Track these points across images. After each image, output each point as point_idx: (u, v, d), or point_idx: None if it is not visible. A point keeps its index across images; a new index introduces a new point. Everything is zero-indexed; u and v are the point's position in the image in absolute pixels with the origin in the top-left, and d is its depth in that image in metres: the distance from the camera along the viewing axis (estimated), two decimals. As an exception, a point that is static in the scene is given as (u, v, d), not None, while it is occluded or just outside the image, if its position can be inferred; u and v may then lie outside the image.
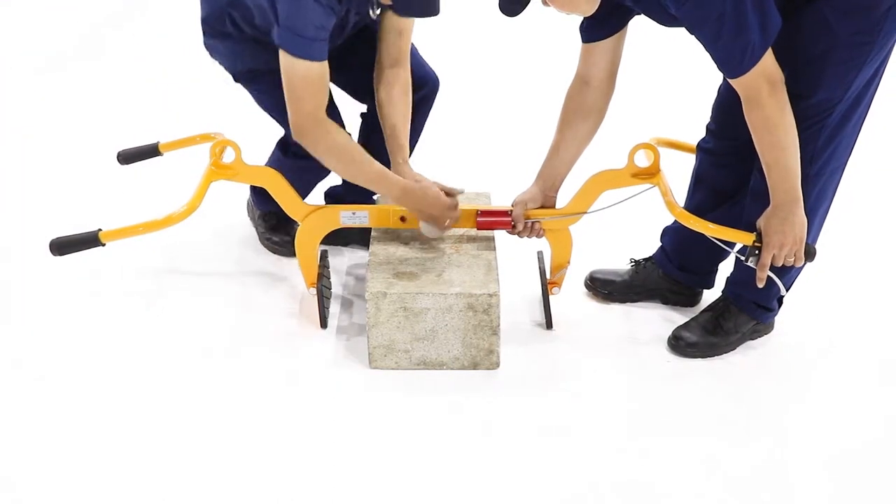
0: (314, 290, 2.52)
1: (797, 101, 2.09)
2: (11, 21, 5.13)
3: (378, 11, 2.44)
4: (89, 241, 2.49)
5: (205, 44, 2.64)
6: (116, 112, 3.94)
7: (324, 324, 2.54)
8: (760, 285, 2.24)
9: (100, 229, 2.49)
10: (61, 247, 2.49)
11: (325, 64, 2.31)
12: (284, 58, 2.28)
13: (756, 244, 2.21)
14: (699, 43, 2.03)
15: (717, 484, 2.04)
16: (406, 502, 2.00)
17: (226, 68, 2.66)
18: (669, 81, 3.92)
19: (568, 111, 2.38)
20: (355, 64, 2.60)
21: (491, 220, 2.46)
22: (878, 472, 2.07)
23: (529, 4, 2.05)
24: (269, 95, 2.55)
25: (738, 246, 2.35)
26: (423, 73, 2.68)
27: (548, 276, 2.54)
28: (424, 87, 2.68)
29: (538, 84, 3.98)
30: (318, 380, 2.36)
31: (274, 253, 2.91)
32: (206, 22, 2.58)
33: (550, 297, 2.52)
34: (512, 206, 2.46)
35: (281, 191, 2.52)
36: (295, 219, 2.55)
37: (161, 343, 2.50)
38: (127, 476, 2.06)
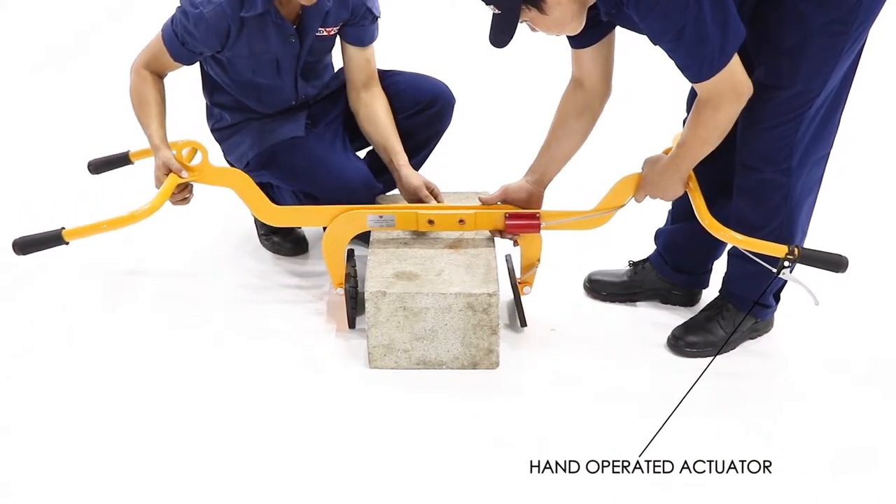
0: (342, 291, 2.51)
1: (776, 93, 2.12)
2: (9, 19, 5.13)
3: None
4: (52, 239, 2.44)
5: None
6: (116, 112, 3.93)
7: (352, 324, 2.53)
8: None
9: (63, 228, 2.44)
10: (24, 246, 2.43)
11: (174, 61, 2.52)
12: (163, 26, 2.53)
13: (789, 256, 2.20)
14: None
15: (717, 483, 2.04)
16: (405, 502, 2.01)
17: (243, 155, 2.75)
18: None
19: (562, 111, 2.39)
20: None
21: (519, 223, 2.43)
22: (879, 471, 2.07)
23: (518, 33, 2.07)
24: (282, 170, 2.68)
25: (730, 245, 2.34)
26: (434, 89, 2.76)
27: (518, 275, 2.53)
28: (437, 103, 2.75)
29: (536, 83, 3.98)
30: (318, 379, 2.36)
31: (275, 253, 2.92)
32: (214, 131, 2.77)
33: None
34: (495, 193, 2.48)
35: (249, 193, 2.50)
36: (264, 222, 2.55)
37: (159, 343, 2.50)
38: (125, 473, 2.06)
